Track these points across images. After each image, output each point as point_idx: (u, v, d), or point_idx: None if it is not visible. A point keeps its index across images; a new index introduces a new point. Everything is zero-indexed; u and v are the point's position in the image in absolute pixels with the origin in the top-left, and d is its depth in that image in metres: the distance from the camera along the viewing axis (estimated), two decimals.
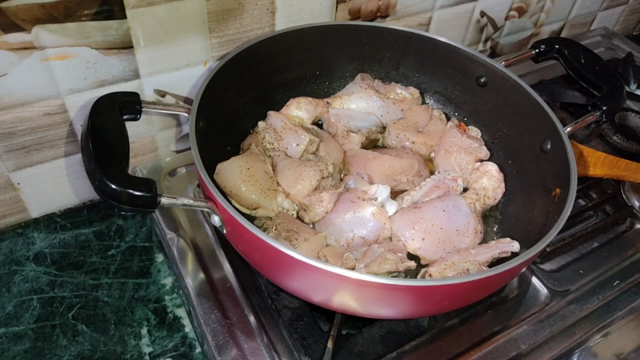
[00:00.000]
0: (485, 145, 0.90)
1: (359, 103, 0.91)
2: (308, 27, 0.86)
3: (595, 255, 0.85)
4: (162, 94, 0.85)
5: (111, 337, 0.73)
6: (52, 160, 0.81)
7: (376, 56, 0.93)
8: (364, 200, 0.76)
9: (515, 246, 0.73)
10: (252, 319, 0.72)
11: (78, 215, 0.88)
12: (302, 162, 0.80)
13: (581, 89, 0.95)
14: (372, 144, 0.92)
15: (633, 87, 1.15)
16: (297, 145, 0.83)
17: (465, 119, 0.94)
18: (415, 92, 0.93)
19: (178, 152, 0.94)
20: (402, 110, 0.91)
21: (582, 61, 0.90)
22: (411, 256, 0.75)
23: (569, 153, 0.73)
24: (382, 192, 0.77)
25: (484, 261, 0.71)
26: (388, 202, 0.78)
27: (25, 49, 0.69)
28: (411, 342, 0.72)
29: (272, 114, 0.85)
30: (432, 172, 0.88)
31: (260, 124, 0.84)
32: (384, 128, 0.92)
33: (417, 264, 0.74)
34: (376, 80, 0.95)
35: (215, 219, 0.63)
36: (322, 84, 0.94)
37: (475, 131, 0.90)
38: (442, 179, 0.82)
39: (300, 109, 0.88)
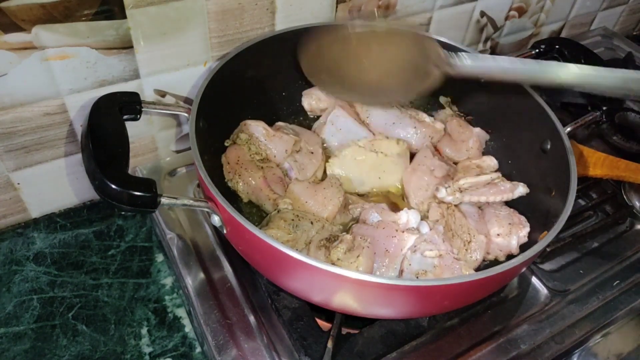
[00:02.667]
0: (486, 145, 0.90)
1: (375, 109, 0.91)
2: (308, 27, 0.86)
3: (595, 255, 0.85)
4: (162, 94, 0.85)
5: (111, 337, 0.73)
6: (52, 160, 0.82)
7: None
8: (403, 232, 0.72)
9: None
10: (252, 319, 0.72)
11: (78, 215, 0.88)
12: (318, 185, 0.80)
13: None
14: None
15: None
16: (286, 150, 0.82)
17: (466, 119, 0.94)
18: (440, 125, 0.91)
19: (178, 152, 0.94)
20: (415, 127, 0.89)
21: (582, 61, 0.90)
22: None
23: (569, 153, 0.73)
24: (413, 217, 0.75)
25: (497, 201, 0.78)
26: (420, 223, 0.76)
27: (25, 49, 0.69)
28: (411, 342, 0.72)
29: (250, 123, 0.83)
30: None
31: (242, 135, 0.82)
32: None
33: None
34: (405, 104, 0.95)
35: (215, 219, 0.63)
36: None
37: (492, 160, 0.88)
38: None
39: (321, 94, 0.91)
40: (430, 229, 0.75)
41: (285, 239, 0.70)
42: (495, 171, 0.85)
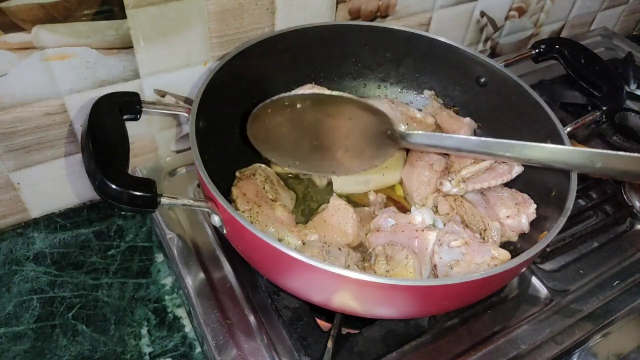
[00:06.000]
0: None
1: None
2: (308, 27, 0.86)
3: (595, 255, 0.85)
4: (162, 94, 0.85)
5: (111, 337, 0.73)
6: (52, 160, 0.82)
7: (376, 56, 0.94)
8: (422, 231, 0.73)
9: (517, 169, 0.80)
10: (252, 319, 0.72)
11: (78, 215, 0.88)
12: (325, 213, 0.78)
13: (581, 89, 0.95)
14: None
15: (633, 87, 1.15)
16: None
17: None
18: (431, 119, 0.91)
19: (178, 152, 0.94)
20: (407, 124, 0.89)
21: (582, 61, 0.90)
22: None
23: None
24: (427, 215, 0.75)
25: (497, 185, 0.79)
26: (435, 219, 0.77)
27: (25, 49, 0.69)
28: (411, 342, 0.72)
29: (266, 167, 0.81)
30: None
31: (259, 176, 0.79)
32: None
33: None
34: (396, 100, 0.95)
35: (215, 219, 0.63)
36: (322, 84, 0.94)
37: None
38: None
39: (312, 90, 0.88)
40: (445, 223, 0.76)
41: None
42: None
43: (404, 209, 0.81)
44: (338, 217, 0.76)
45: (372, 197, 0.83)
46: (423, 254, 0.71)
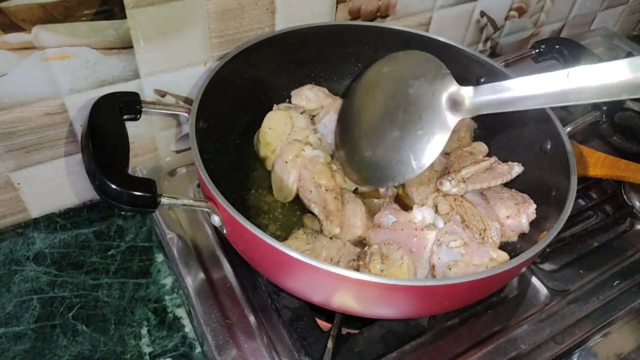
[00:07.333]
0: (485, 144, 0.90)
1: None
2: (308, 27, 0.86)
3: (595, 255, 0.85)
4: (162, 94, 0.85)
5: (111, 337, 0.73)
6: (52, 160, 0.82)
7: (376, 56, 0.93)
8: (422, 230, 0.73)
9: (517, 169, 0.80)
10: (252, 319, 0.72)
11: (78, 215, 0.88)
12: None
13: None
14: None
15: None
16: None
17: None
18: None
19: (178, 152, 0.94)
20: None
21: (582, 61, 0.90)
22: None
23: (569, 153, 0.73)
24: (428, 214, 0.75)
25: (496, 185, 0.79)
26: (436, 218, 0.77)
27: (25, 49, 0.69)
28: (411, 342, 0.72)
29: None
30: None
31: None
32: None
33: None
34: None
35: (215, 219, 0.63)
36: (322, 84, 0.94)
37: (482, 146, 0.89)
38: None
39: (312, 90, 0.89)
40: (445, 223, 0.76)
41: (303, 249, 0.69)
42: (487, 155, 0.85)
43: (407, 207, 0.81)
44: (347, 210, 0.76)
45: (382, 189, 0.83)
46: (420, 254, 0.71)
